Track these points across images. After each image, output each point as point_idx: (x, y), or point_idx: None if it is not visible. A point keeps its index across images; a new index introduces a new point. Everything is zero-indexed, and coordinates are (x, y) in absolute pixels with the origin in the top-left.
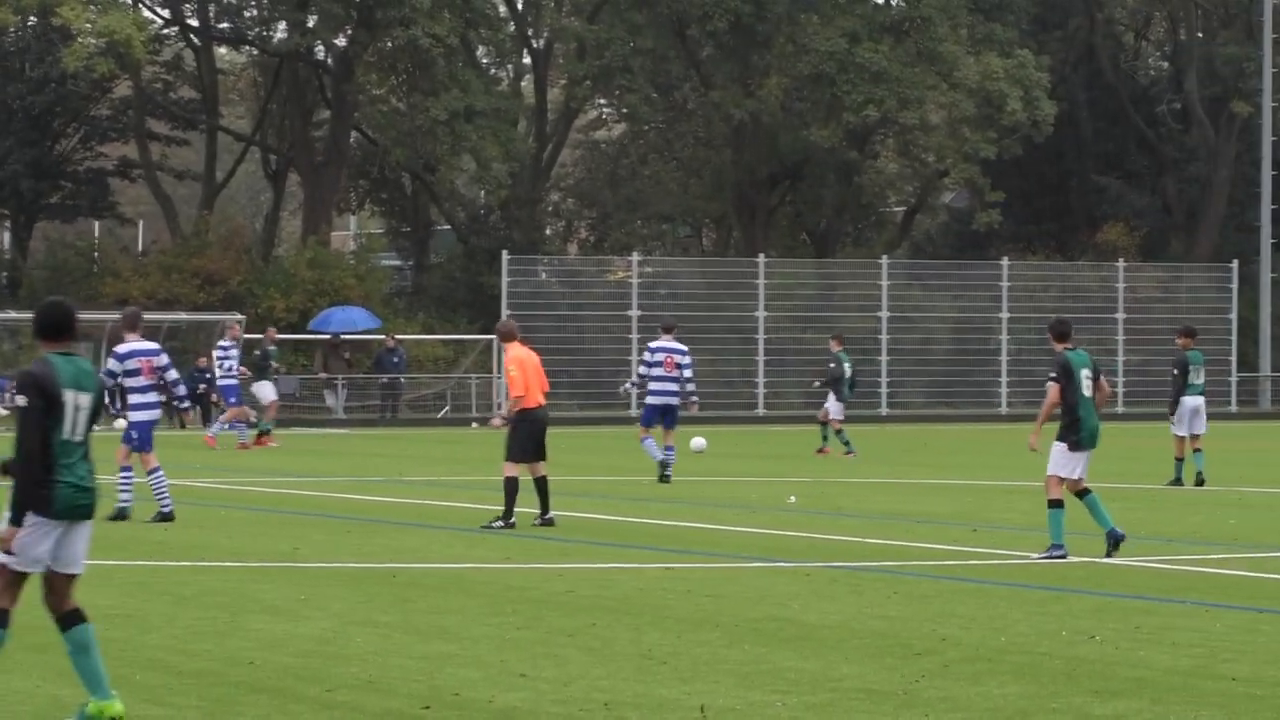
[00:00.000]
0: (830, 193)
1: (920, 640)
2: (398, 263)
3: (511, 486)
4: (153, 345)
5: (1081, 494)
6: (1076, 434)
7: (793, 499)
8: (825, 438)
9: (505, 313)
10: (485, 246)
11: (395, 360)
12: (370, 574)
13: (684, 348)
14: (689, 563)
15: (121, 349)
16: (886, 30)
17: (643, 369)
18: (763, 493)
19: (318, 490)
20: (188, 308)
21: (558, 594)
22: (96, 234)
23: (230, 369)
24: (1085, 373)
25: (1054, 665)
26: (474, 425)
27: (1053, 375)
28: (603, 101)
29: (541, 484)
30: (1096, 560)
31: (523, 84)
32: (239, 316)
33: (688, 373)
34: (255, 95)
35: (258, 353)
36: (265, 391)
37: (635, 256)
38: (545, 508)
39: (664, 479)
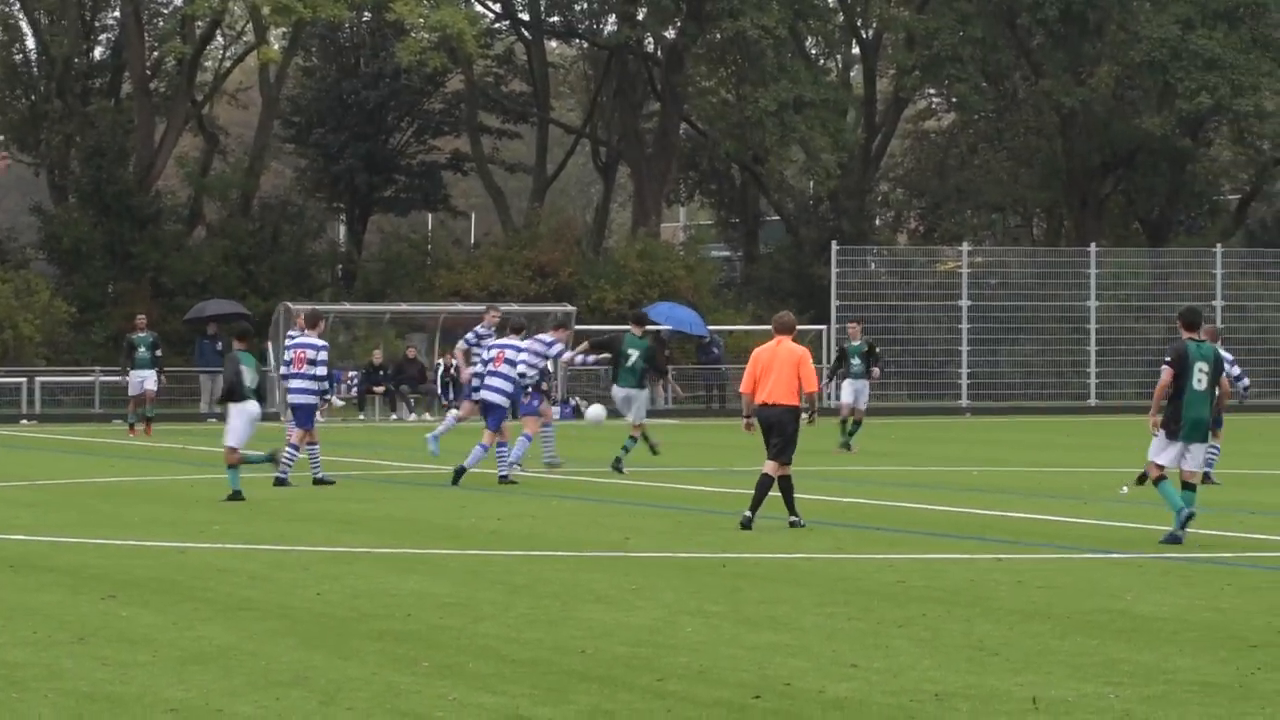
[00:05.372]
0: (1163, 181)
1: (1255, 632)
2: (727, 254)
3: (759, 482)
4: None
5: (1185, 485)
6: (1175, 423)
7: (1125, 489)
8: None
9: (835, 303)
10: (814, 237)
11: (714, 351)
12: (701, 564)
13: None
14: (1020, 554)
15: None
16: (1220, 17)
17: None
18: (1095, 483)
19: (649, 480)
20: (519, 299)
21: (888, 584)
22: (429, 227)
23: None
24: (1201, 365)
25: None
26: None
27: (1167, 360)
28: (931, 91)
29: (782, 484)
30: None
31: (851, 74)
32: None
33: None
34: (585, 88)
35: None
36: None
37: (965, 246)
38: (789, 507)
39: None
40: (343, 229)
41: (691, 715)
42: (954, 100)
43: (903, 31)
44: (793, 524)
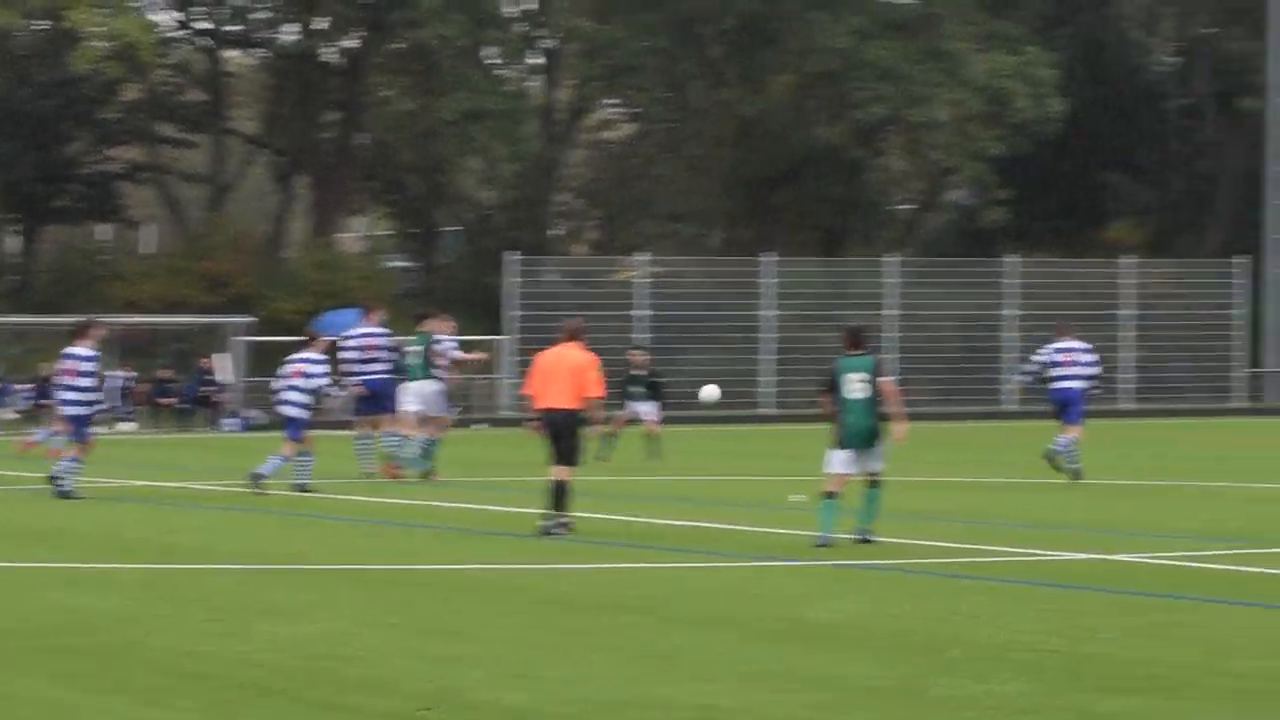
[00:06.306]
0: (838, 191)
1: (925, 638)
2: (406, 264)
3: (552, 489)
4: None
5: (870, 484)
6: (841, 432)
7: (800, 497)
8: None
9: (511, 313)
10: (492, 247)
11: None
12: (377, 575)
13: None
14: (695, 562)
15: None
16: (895, 28)
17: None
18: (769, 492)
19: (325, 493)
20: (196, 310)
21: (566, 594)
22: (111, 237)
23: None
24: (852, 376)
25: (1059, 662)
26: (477, 426)
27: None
28: (612, 101)
29: (555, 489)
30: (1103, 557)
31: (531, 84)
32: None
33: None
34: (264, 97)
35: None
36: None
37: (645, 256)
38: (557, 508)
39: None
40: (15, 239)
41: None
42: (636, 110)
43: (584, 42)
44: (550, 528)
